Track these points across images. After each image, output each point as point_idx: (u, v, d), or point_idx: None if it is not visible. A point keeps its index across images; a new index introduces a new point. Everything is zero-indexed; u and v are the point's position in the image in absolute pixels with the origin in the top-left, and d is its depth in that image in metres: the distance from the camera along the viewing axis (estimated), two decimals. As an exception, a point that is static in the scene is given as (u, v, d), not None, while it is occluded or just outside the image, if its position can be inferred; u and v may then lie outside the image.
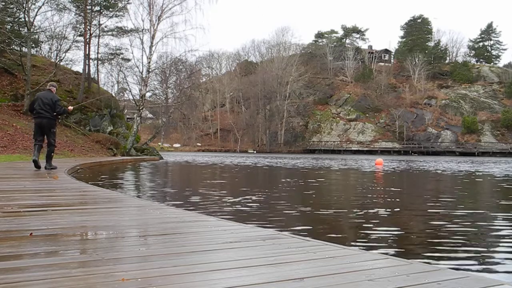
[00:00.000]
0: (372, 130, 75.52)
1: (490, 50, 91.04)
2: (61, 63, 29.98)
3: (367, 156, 53.40)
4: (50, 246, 2.58)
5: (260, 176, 14.77)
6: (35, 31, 27.39)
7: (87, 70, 28.90)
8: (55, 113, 10.04)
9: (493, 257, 3.69)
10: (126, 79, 33.05)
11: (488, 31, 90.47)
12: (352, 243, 3.93)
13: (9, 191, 5.56)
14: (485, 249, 3.97)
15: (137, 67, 30.46)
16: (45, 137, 10.17)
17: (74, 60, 52.63)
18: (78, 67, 33.78)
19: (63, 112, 10.49)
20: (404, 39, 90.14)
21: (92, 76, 31.14)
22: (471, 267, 3.28)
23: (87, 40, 28.59)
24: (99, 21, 30.14)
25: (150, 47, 28.06)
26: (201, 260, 2.29)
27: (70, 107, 11.35)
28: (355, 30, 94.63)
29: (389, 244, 4.11)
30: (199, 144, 78.99)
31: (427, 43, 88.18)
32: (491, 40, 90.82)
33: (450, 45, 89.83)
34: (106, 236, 3.04)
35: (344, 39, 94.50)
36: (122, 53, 34.12)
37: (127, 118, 42.23)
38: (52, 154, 10.45)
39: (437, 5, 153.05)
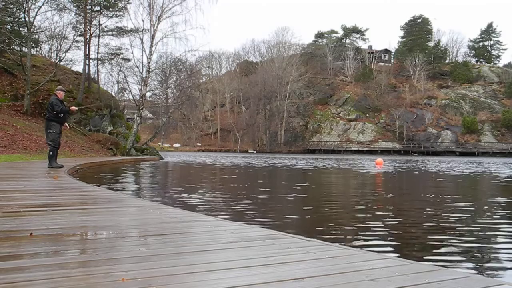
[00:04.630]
0: (372, 130, 75.50)
1: (490, 50, 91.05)
2: (61, 63, 30.01)
3: (367, 156, 53.39)
4: (50, 246, 2.58)
5: (260, 176, 14.77)
6: (35, 31, 27.39)
7: (87, 70, 28.90)
8: (55, 112, 10.46)
9: (493, 257, 3.69)
10: (126, 79, 33.02)
11: (488, 31, 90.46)
12: (352, 243, 3.93)
13: (9, 191, 5.56)
14: (485, 249, 3.97)
15: (137, 67, 30.37)
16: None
17: (74, 60, 52.57)
18: (78, 67, 33.82)
19: (62, 111, 10.58)
20: (404, 39, 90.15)
21: (92, 76, 31.16)
22: (471, 267, 3.28)
23: (87, 40, 28.60)
24: (99, 21, 30.16)
25: (150, 47, 28.07)
26: (201, 260, 2.29)
27: (73, 108, 11.49)
28: (355, 30, 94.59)
29: (389, 244, 4.11)
30: (199, 144, 78.99)
31: (427, 43, 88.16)
32: (491, 40, 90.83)
33: (450, 45, 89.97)
34: (106, 236, 3.04)
35: (344, 39, 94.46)
36: (122, 53, 34.16)
37: (127, 118, 42.23)
38: (51, 153, 10.62)
39: (437, 5, 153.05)
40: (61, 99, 10.70)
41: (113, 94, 36.27)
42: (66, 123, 11.47)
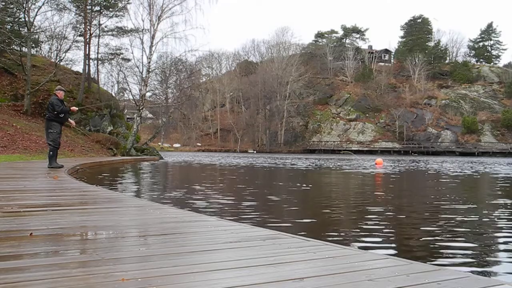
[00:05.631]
0: (372, 130, 75.51)
1: (490, 50, 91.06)
2: (61, 63, 30.01)
3: (367, 156, 53.37)
4: (50, 246, 2.58)
5: (260, 176, 14.77)
6: (35, 31, 27.39)
7: (87, 70, 28.89)
8: (56, 112, 10.49)
9: (493, 257, 3.69)
10: (126, 79, 33.06)
11: (488, 31, 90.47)
12: (352, 243, 3.93)
13: (9, 191, 5.55)
14: (485, 249, 3.97)
15: (137, 67, 30.38)
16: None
17: (74, 60, 52.59)
18: (78, 67, 33.82)
19: (63, 111, 10.60)
20: (404, 39, 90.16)
21: (92, 76, 31.15)
22: (471, 267, 3.28)
23: (87, 40, 28.60)
24: (99, 21, 30.17)
25: (150, 47, 28.07)
26: (201, 260, 2.29)
27: (74, 108, 11.51)
28: (355, 30, 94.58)
29: (389, 244, 4.10)
30: (199, 144, 78.99)
31: (427, 43, 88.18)
32: (491, 40, 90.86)
33: (450, 45, 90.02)
34: (106, 236, 3.04)
35: (344, 39, 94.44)
36: (122, 53, 34.18)
37: (127, 118, 42.23)
38: (51, 153, 10.63)
39: (437, 5, 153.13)
40: (61, 99, 10.72)
41: (113, 94, 36.32)
42: (71, 120, 11.53)
